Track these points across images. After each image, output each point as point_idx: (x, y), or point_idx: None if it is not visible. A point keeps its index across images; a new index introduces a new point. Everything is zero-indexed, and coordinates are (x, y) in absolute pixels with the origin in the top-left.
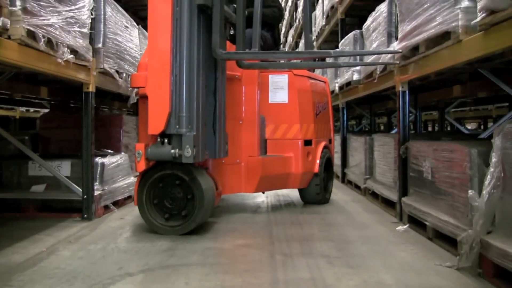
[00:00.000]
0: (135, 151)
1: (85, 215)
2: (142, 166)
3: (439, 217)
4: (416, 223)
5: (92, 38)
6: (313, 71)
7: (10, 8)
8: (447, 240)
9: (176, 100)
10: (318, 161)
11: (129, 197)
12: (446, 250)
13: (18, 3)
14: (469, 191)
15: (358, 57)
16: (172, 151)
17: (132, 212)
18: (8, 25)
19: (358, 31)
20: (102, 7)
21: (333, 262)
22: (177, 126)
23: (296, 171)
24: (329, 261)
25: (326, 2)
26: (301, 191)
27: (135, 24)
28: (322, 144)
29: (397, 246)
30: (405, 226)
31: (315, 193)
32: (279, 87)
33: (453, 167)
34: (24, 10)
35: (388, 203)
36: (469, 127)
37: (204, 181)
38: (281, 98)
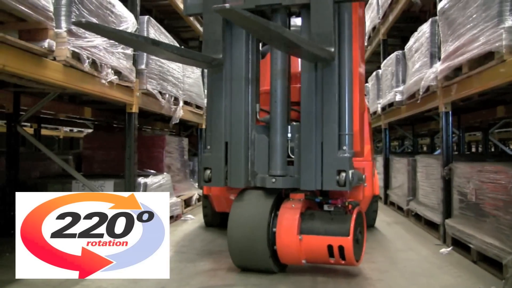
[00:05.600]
0: None
1: None
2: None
3: (483, 240)
4: (460, 246)
5: (135, 59)
6: None
7: (55, 30)
8: (492, 263)
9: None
10: (378, 183)
11: (171, 217)
12: (491, 273)
13: (63, 25)
14: None
15: (400, 76)
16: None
17: (174, 232)
18: (54, 47)
19: (401, 51)
20: (145, 29)
21: (376, 284)
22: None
23: (368, 193)
24: (371, 284)
25: (368, 23)
26: None
27: (177, 45)
28: None
29: (441, 268)
30: (448, 249)
31: (372, 218)
32: None
33: (498, 189)
34: (69, 32)
35: (431, 225)
36: None
37: (241, 212)
38: None
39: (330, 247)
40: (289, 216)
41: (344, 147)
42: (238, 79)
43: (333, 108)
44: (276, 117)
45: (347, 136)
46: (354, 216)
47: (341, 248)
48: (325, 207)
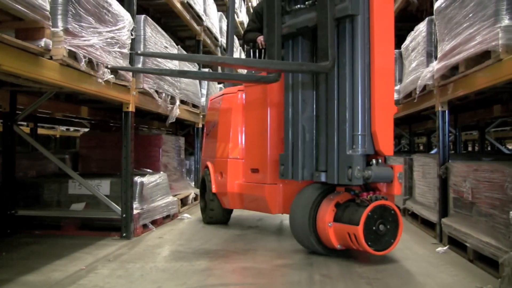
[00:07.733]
0: None
1: (124, 234)
2: None
3: (480, 239)
4: (457, 245)
5: (132, 59)
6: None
7: (52, 29)
8: (488, 262)
9: None
10: None
11: (168, 216)
12: (487, 272)
13: (60, 24)
14: (511, 212)
15: (397, 75)
16: None
17: (170, 232)
18: (50, 46)
19: (397, 50)
20: (142, 28)
21: (373, 283)
22: None
23: None
24: (368, 283)
25: None
26: None
27: (174, 44)
28: None
29: (437, 267)
30: (445, 248)
31: None
32: None
33: (494, 188)
34: (66, 31)
35: (427, 224)
36: (510, 147)
37: (299, 203)
38: None
39: (349, 235)
40: (325, 205)
41: (354, 146)
42: (297, 89)
43: (343, 111)
44: (321, 121)
45: (359, 136)
46: (368, 208)
47: (355, 236)
48: (356, 200)
